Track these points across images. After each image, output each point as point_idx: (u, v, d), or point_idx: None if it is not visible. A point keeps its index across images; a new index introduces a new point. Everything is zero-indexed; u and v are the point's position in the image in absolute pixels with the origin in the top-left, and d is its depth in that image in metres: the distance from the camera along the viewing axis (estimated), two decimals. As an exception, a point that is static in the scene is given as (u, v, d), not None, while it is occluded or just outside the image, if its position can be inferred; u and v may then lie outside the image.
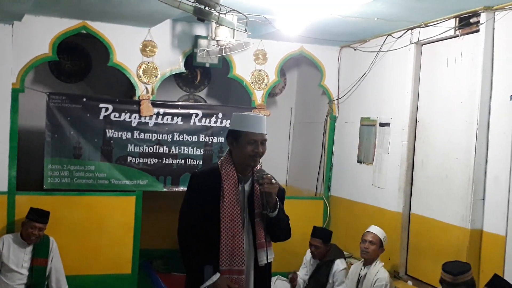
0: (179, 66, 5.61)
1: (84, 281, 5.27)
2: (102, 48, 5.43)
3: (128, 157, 5.47)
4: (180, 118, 5.64)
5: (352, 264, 4.99)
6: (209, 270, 2.96)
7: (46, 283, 4.94)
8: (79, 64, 6.53)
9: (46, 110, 5.17)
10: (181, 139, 5.66)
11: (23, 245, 4.85)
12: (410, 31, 4.85)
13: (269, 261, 3.08)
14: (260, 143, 3.05)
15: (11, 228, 5.03)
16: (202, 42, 5.47)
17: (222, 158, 3.15)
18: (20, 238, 4.86)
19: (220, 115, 5.78)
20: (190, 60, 5.63)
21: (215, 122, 5.76)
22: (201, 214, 3.02)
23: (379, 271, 4.53)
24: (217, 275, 2.97)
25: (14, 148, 5.07)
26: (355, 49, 5.71)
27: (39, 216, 4.83)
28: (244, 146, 3.02)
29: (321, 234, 5.07)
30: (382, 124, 5.28)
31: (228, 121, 5.76)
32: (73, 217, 5.26)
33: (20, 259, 4.82)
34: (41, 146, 5.23)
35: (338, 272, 4.88)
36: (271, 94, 6.70)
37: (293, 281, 5.11)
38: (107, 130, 5.39)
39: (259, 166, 3.16)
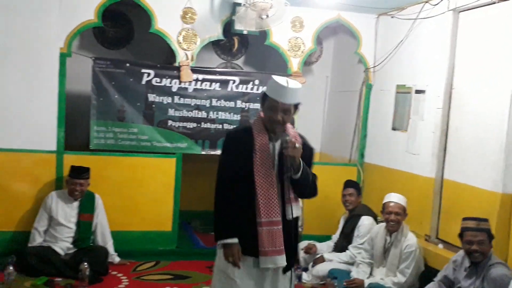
0: (218, 34, 5.71)
1: (127, 236, 5.52)
2: (144, 16, 5.57)
3: (169, 121, 5.68)
4: (218, 84, 5.79)
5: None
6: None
7: (92, 237, 5.22)
8: (122, 32, 6.74)
9: (92, 74, 5.38)
10: (218, 105, 5.82)
11: (70, 200, 5.12)
12: (447, -2, 4.86)
13: (294, 216, 3.18)
14: (282, 111, 3.08)
15: (59, 185, 5.32)
16: (240, 10, 5.55)
17: (255, 118, 3.29)
18: (67, 194, 5.12)
19: (256, 81, 5.90)
20: (228, 28, 5.72)
21: (252, 88, 5.88)
22: (237, 168, 3.14)
23: (407, 237, 4.66)
24: (235, 239, 3.12)
25: (62, 110, 5.32)
26: (392, 17, 5.72)
27: (78, 172, 5.08)
28: (267, 111, 3.14)
29: (353, 184, 5.51)
30: (417, 92, 5.32)
31: (265, 87, 5.88)
32: (117, 176, 5.52)
33: (67, 214, 5.09)
34: (87, 109, 5.47)
35: (362, 226, 5.15)
36: (307, 63, 6.77)
37: (309, 250, 5.45)
38: (149, 95, 5.59)
39: (291, 129, 3.22)
